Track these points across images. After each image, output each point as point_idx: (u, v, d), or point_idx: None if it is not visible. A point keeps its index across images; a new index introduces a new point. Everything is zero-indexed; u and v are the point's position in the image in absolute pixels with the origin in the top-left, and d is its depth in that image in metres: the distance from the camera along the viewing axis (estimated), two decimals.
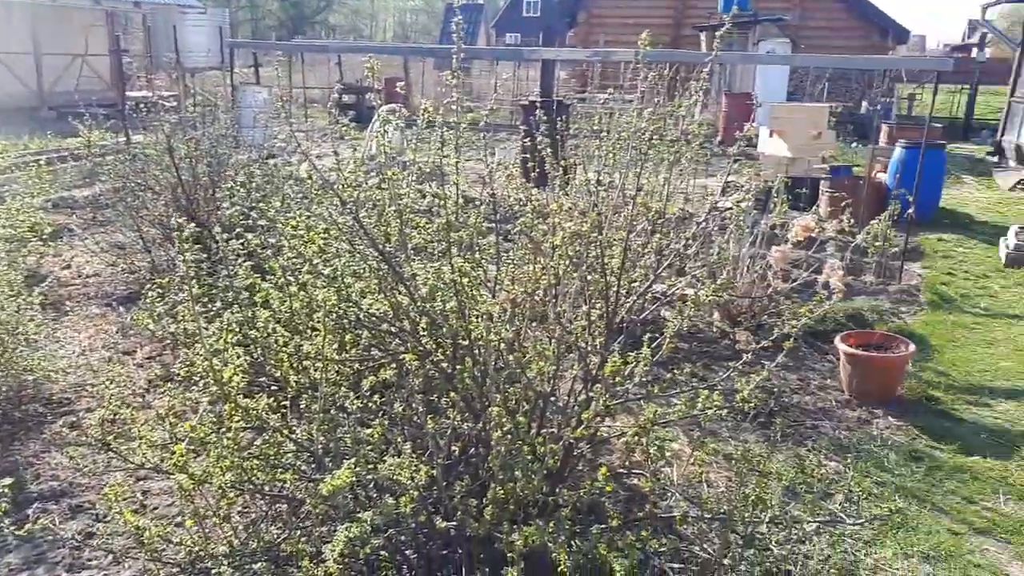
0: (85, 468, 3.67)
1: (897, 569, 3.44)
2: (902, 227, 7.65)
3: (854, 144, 15.32)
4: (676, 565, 3.34)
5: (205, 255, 3.67)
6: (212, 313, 3.37)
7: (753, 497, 3.00)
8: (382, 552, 3.06)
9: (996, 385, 5.44)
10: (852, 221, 6.22)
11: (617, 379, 2.97)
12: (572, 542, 2.76)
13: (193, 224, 4.48)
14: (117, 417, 3.14)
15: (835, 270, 5.91)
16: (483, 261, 3.39)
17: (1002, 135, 15.60)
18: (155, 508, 3.61)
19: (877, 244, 7.20)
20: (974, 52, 24.55)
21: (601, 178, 3.66)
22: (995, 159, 15.51)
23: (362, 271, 3.47)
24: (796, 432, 4.63)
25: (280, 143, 9.26)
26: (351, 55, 23.87)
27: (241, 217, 4.13)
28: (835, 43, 23.49)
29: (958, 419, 4.90)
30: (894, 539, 3.63)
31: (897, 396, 5.10)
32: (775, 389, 5.13)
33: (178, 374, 3.45)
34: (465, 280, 3.05)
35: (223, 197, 6.40)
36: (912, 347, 5.20)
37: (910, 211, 7.26)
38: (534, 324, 3.61)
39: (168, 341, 5.24)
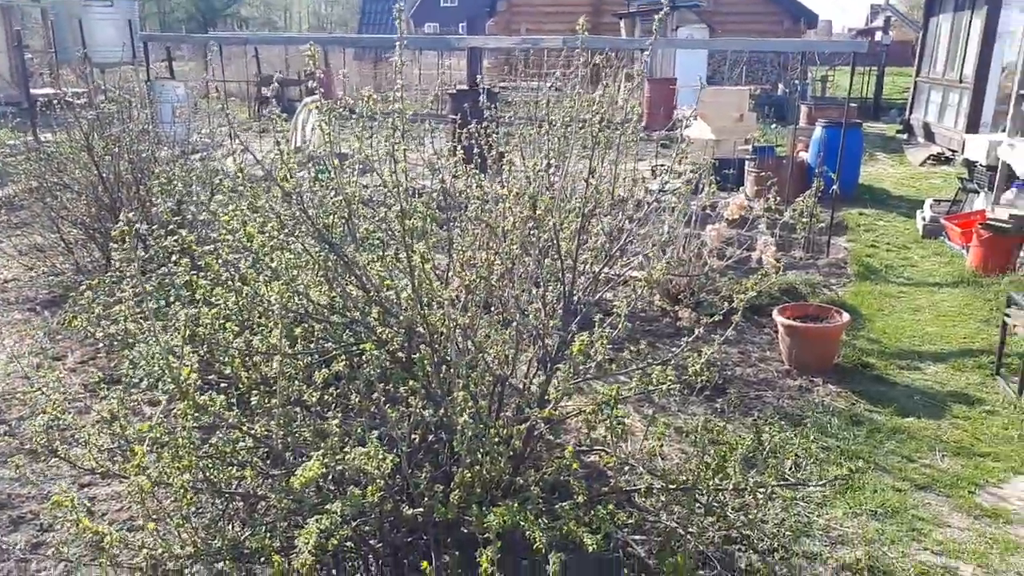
0: (25, 478, 3.52)
1: (848, 527, 3.57)
2: (826, 203, 7.90)
3: (774, 125, 15.74)
4: (638, 537, 3.39)
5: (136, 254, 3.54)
6: (152, 311, 3.25)
7: (714, 465, 3.07)
8: (348, 543, 3.02)
9: (924, 349, 5.69)
10: (778, 199, 6.40)
11: (581, 358, 2.98)
12: (541, 520, 2.78)
13: (123, 222, 4.33)
14: (58, 423, 3.00)
15: (768, 246, 6.09)
16: (433, 249, 3.37)
17: (910, 114, 16.27)
18: (104, 514, 3.48)
19: (804, 220, 7.43)
20: (878, 35, 25.46)
21: (550, 163, 3.67)
22: (905, 137, 16.17)
23: (306, 263, 3.41)
24: (742, 403, 4.75)
25: (203, 139, 9.00)
26: (268, 48, 23.32)
27: (172, 214, 4.01)
28: (750, 28, 24.11)
29: (892, 383, 5.10)
30: (843, 499, 3.77)
31: (834, 364, 5.28)
32: (718, 363, 5.25)
33: (125, 375, 3.33)
34: (426, 266, 3.02)
35: (148, 195, 6.20)
36: (846, 317, 5.39)
37: (834, 187, 7.52)
38: (489, 309, 3.60)
39: (102, 345, 5.06)
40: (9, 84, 18.95)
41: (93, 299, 3.59)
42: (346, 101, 3.49)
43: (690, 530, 3.12)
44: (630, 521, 3.26)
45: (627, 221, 3.97)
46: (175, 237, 3.58)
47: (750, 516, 3.31)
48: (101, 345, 5.09)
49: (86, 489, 3.65)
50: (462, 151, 3.81)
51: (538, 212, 3.33)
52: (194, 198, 4.06)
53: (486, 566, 2.48)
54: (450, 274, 3.52)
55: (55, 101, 7.06)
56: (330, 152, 3.28)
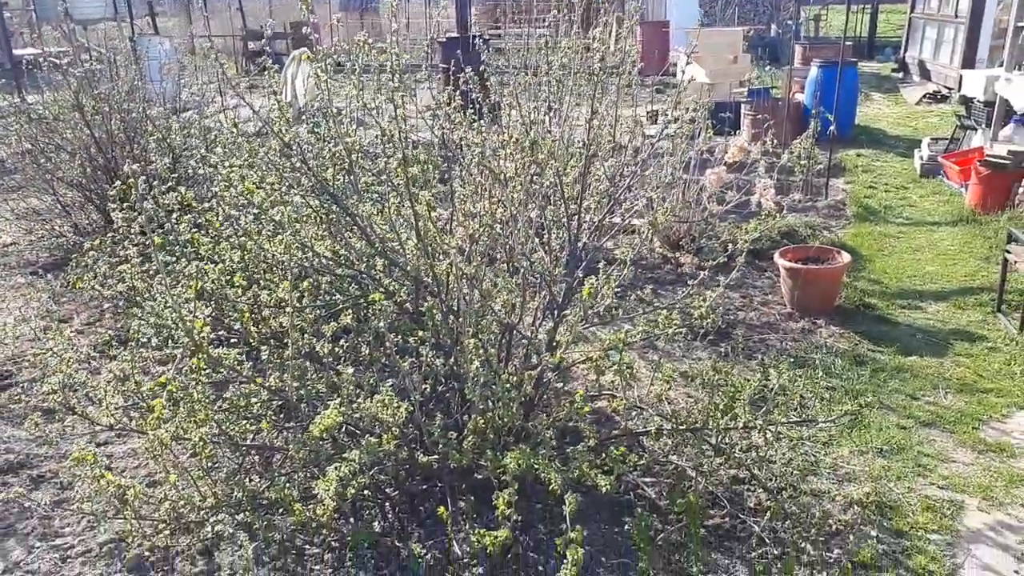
0: (42, 438, 3.55)
1: (854, 465, 3.63)
2: (824, 145, 7.86)
3: (768, 67, 15.56)
4: (648, 479, 3.45)
5: (136, 213, 3.52)
6: (162, 265, 3.24)
7: (723, 406, 3.11)
8: (365, 492, 3.07)
9: (925, 288, 5.72)
10: (775, 142, 6.37)
11: (590, 301, 2.99)
12: (554, 463, 2.81)
13: (118, 182, 4.29)
14: (73, 382, 3.02)
15: (767, 189, 6.08)
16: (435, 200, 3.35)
17: (905, 51, 16.08)
18: (122, 471, 3.51)
19: (802, 163, 7.40)
20: None
21: (551, 107, 3.64)
22: (900, 75, 16.00)
23: (307, 217, 3.39)
24: (746, 347, 4.78)
25: (193, 96, 8.87)
26: (254, 2, 22.88)
27: (168, 171, 3.97)
28: None
29: (894, 323, 5.14)
30: (849, 438, 3.82)
31: (836, 306, 5.31)
32: (720, 307, 5.27)
33: (133, 335, 3.34)
34: (432, 214, 3.00)
35: (144, 154, 6.13)
36: (848, 258, 5.40)
37: (831, 128, 7.47)
38: (494, 261, 3.60)
39: (107, 306, 5.06)
40: None
41: (96, 260, 3.59)
42: (339, 50, 3.43)
43: (701, 470, 3.17)
44: (641, 463, 3.32)
45: (629, 165, 3.95)
46: (175, 194, 3.56)
47: (760, 454, 3.37)
48: (106, 307, 5.09)
49: (103, 447, 3.68)
50: (460, 97, 3.76)
51: (540, 157, 3.31)
52: (193, 153, 4.03)
53: (503, 508, 2.52)
54: (453, 224, 3.51)
55: (40, 61, 6.94)
56: (328, 103, 3.24)
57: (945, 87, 13.34)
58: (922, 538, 3.16)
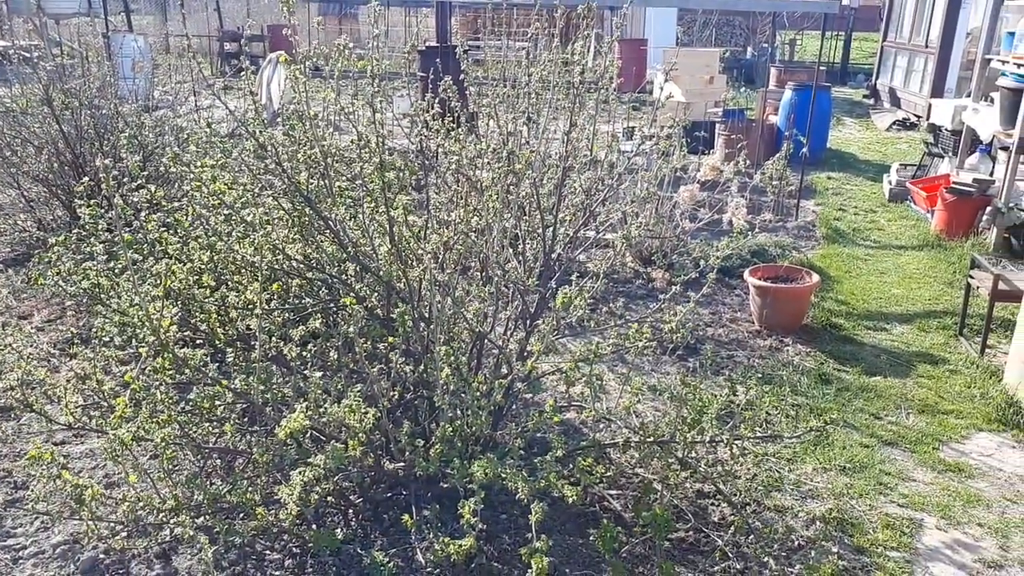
0: None
1: (818, 482, 3.66)
2: (796, 167, 7.97)
3: (743, 88, 15.77)
4: (614, 492, 3.44)
5: (103, 210, 3.46)
6: (130, 262, 3.19)
7: (690, 419, 3.12)
8: (328, 499, 3.03)
9: (890, 311, 5.80)
10: (748, 162, 6.43)
11: (563, 312, 2.99)
12: (522, 473, 2.80)
13: (86, 178, 4.22)
14: (32, 380, 2.95)
15: (739, 208, 6.14)
16: (412, 207, 3.34)
17: (877, 78, 16.39)
18: (79, 472, 3.44)
19: (774, 183, 7.49)
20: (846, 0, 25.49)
21: (530, 118, 3.65)
22: (871, 101, 16.30)
23: (279, 219, 3.36)
24: (714, 363, 4.81)
25: (166, 95, 8.77)
26: (231, 2, 22.77)
27: (139, 168, 3.91)
28: None
29: (860, 343, 5.21)
30: (813, 455, 3.86)
31: (803, 325, 5.37)
32: (689, 323, 5.30)
33: (95, 333, 3.28)
34: (409, 218, 2.99)
35: (113, 151, 6.05)
36: (816, 278, 5.47)
37: (804, 151, 7.57)
38: (467, 271, 3.59)
39: (68, 303, 4.97)
40: None
41: (60, 256, 3.51)
42: (318, 54, 3.41)
43: (667, 483, 3.17)
44: (608, 475, 3.32)
45: (604, 179, 3.97)
46: (144, 191, 3.51)
47: (725, 469, 3.38)
48: (68, 304, 5.00)
49: (59, 447, 3.60)
50: (438, 105, 3.76)
51: (517, 167, 3.31)
52: (165, 151, 3.98)
53: (468, 516, 2.50)
54: (427, 231, 3.49)
55: (10, 53, 6.83)
56: (305, 106, 3.22)
57: (914, 115, 13.61)
58: (882, 555, 3.19)
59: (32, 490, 2.60)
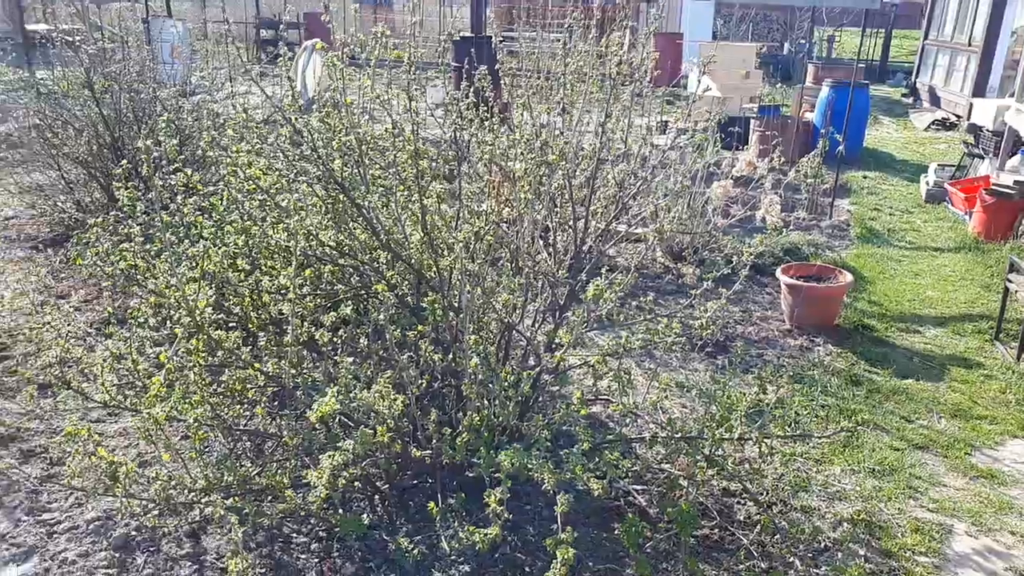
0: (33, 412, 3.54)
1: (846, 483, 3.62)
2: (831, 165, 7.87)
3: (779, 84, 15.58)
4: (639, 487, 3.44)
5: (140, 192, 3.51)
6: (168, 243, 3.24)
7: (719, 416, 3.10)
8: (355, 484, 3.06)
9: (924, 313, 5.72)
10: (783, 159, 6.38)
11: (593, 304, 2.98)
12: (548, 464, 2.81)
13: (124, 160, 4.27)
14: (69, 358, 3.01)
15: (773, 205, 6.08)
16: (444, 196, 3.35)
17: (916, 77, 16.12)
18: (112, 450, 3.50)
19: (809, 181, 7.41)
20: None
21: (564, 109, 3.64)
22: (910, 100, 16.05)
23: (313, 205, 3.39)
24: (743, 361, 4.77)
25: (203, 80, 8.86)
26: None
27: (176, 152, 3.96)
28: None
29: (892, 345, 5.14)
30: (841, 457, 3.82)
31: (835, 325, 5.31)
32: (719, 320, 5.27)
33: (131, 314, 3.33)
34: (442, 206, 3.00)
35: (152, 134, 6.12)
36: (849, 278, 5.40)
37: (839, 149, 7.48)
38: (496, 262, 3.60)
39: (105, 284, 5.05)
40: (2, 18, 18.57)
41: (98, 237, 3.57)
42: (355, 42, 3.42)
43: (693, 480, 3.16)
44: (633, 469, 3.31)
45: (637, 172, 3.95)
46: (181, 175, 3.55)
47: (753, 467, 3.36)
48: (105, 284, 5.08)
49: (94, 425, 3.67)
50: (472, 95, 3.76)
51: (551, 158, 3.30)
52: (202, 136, 4.01)
53: (494, 505, 2.51)
54: (459, 221, 3.50)
55: (52, 36, 6.93)
56: (341, 93, 3.24)
57: (954, 115, 13.37)
58: (910, 560, 3.15)
59: (68, 466, 2.65)
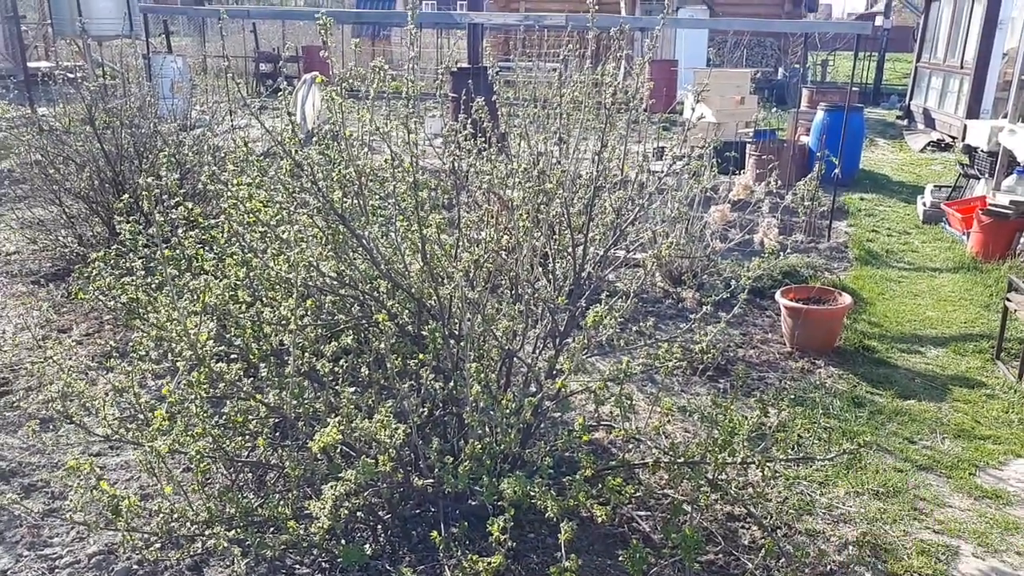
0: (35, 447, 3.54)
1: (850, 506, 3.61)
2: (827, 187, 7.92)
3: (774, 109, 15.71)
4: (643, 513, 3.43)
5: (142, 226, 3.54)
6: (169, 278, 3.26)
7: (721, 441, 3.10)
8: (358, 514, 3.05)
9: (925, 333, 5.72)
10: (780, 182, 6.42)
11: (593, 330, 3.00)
12: (550, 492, 2.80)
13: (126, 195, 4.31)
14: (71, 392, 3.02)
15: (771, 228, 6.11)
16: (443, 225, 3.37)
17: (910, 99, 16.25)
18: (114, 483, 3.49)
19: (806, 204, 7.46)
20: (879, 20, 25.36)
21: (561, 138, 3.68)
22: (905, 122, 16.16)
23: (313, 236, 3.41)
24: (744, 384, 4.77)
25: (203, 115, 8.94)
26: (267, 24, 23.27)
27: (176, 186, 4.00)
28: (750, 11, 23.94)
29: (893, 366, 5.14)
30: (845, 479, 3.81)
31: (836, 347, 5.31)
32: (720, 343, 5.28)
33: (132, 347, 3.34)
34: (442, 236, 3.02)
35: (152, 169, 6.18)
36: (849, 299, 5.41)
37: (836, 171, 7.54)
38: (495, 289, 3.61)
39: (107, 318, 5.07)
40: (4, 56, 18.77)
41: (99, 271, 3.59)
42: (353, 75, 3.47)
43: (697, 505, 3.15)
44: (636, 495, 3.30)
45: (634, 199, 3.98)
46: (182, 208, 3.58)
47: (756, 491, 3.35)
48: (106, 318, 5.10)
49: (96, 459, 3.66)
50: (471, 125, 3.80)
51: (548, 186, 3.33)
52: (202, 169, 4.06)
53: (497, 534, 2.50)
54: (458, 250, 3.53)
55: (54, 74, 7.02)
56: (340, 125, 3.28)
57: (949, 136, 13.46)
58: None
59: (69, 500, 2.64)
